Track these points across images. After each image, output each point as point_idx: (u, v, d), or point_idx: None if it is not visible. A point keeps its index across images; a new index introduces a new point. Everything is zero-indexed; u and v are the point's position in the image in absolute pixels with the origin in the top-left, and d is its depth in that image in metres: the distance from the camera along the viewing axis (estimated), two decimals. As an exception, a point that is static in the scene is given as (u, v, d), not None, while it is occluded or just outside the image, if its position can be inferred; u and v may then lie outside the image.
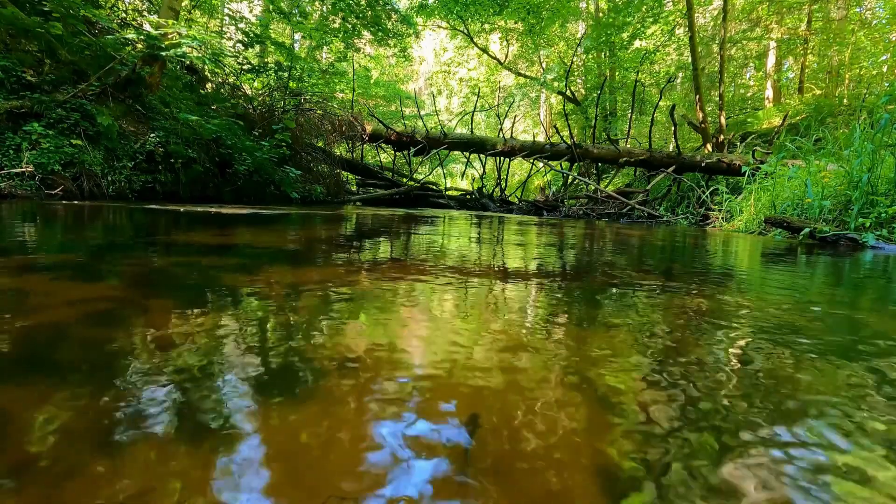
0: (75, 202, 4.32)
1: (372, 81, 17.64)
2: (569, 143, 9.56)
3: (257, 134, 7.15)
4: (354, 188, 10.49)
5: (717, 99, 10.03)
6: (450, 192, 11.76)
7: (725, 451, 0.53)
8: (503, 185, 11.54)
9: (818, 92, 11.77)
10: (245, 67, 8.25)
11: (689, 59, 10.79)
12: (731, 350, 0.92)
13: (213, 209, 4.45)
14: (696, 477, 0.48)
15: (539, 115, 21.29)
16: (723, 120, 9.59)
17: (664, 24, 12.96)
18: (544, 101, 20.69)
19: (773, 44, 14.08)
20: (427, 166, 12.94)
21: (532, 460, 0.50)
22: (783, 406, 0.65)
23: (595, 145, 9.76)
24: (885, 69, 10.44)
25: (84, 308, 0.99)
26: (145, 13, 8.24)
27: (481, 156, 11.02)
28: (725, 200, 7.01)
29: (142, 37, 6.08)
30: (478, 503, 0.43)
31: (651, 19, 12.43)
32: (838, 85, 11.50)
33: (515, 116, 17.00)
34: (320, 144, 8.91)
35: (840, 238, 3.90)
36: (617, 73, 14.86)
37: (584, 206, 9.51)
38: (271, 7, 10.80)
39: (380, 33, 11.70)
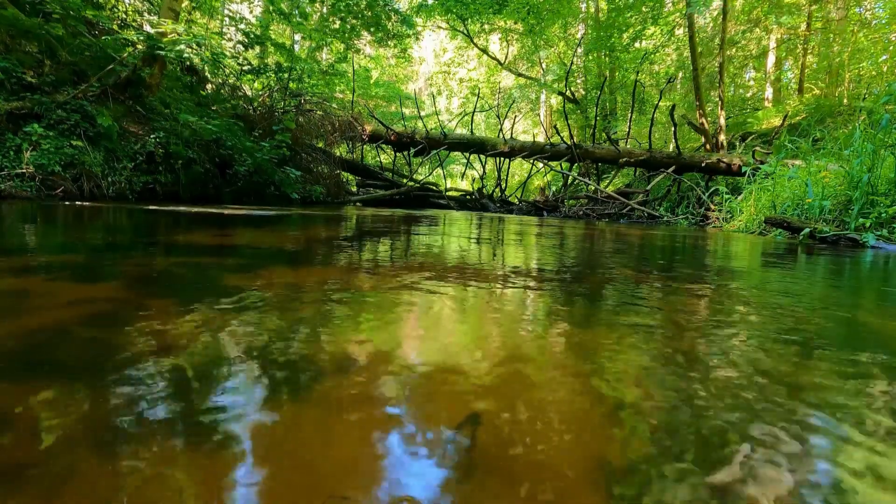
0: (75, 203, 4.32)
1: (372, 82, 17.64)
2: (569, 143, 9.56)
3: (257, 135, 7.16)
4: (354, 188, 10.50)
5: (717, 99, 10.03)
6: (450, 193, 11.76)
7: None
8: (503, 186, 11.54)
9: (818, 92, 11.77)
10: (245, 68, 8.25)
11: (689, 59, 10.80)
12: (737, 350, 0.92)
13: (213, 210, 4.46)
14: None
15: (539, 115, 21.29)
16: (722, 120, 9.59)
17: (664, 25, 12.96)
18: (544, 102, 20.69)
19: (772, 44, 14.07)
20: (427, 167, 12.95)
21: (532, 457, 0.50)
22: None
23: (595, 146, 9.77)
24: (885, 69, 10.43)
25: (84, 309, 0.99)
26: (145, 14, 8.25)
27: (481, 156, 11.02)
28: (725, 201, 7.01)
29: (141, 37, 6.08)
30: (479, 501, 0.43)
31: (651, 20, 12.44)
32: (838, 85, 11.50)
33: (515, 117, 17.00)
34: (320, 145, 8.92)
35: (840, 238, 3.90)
36: (617, 74, 14.86)
37: (584, 206, 9.50)
38: (271, 8, 10.81)
39: (379, 34, 11.71)
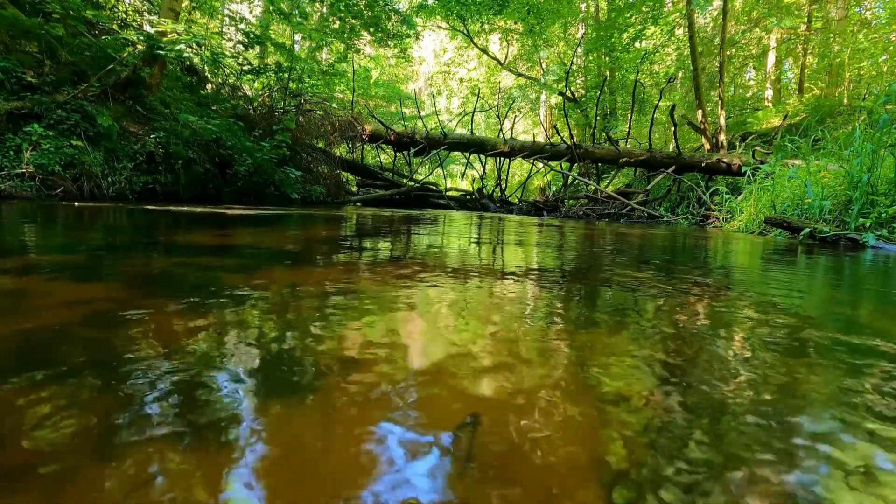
0: (75, 203, 4.32)
1: (372, 82, 17.65)
2: (569, 143, 9.56)
3: (257, 134, 7.15)
4: (354, 188, 10.50)
5: (717, 99, 10.04)
6: (450, 193, 11.77)
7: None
8: (503, 186, 11.55)
9: (818, 92, 11.77)
10: (245, 68, 8.26)
11: (689, 59, 10.80)
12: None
13: (213, 210, 4.46)
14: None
15: (539, 115, 21.30)
16: (722, 120, 9.60)
17: (664, 25, 12.97)
18: (544, 102, 20.68)
19: (772, 44, 14.07)
20: (427, 167, 12.95)
21: (531, 457, 0.50)
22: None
23: (595, 146, 9.77)
24: (885, 69, 10.44)
25: (84, 309, 0.99)
26: (145, 14, 8.25)
27: (481, 156, 11.02)
28: (725, 201, 7.01)
29: (141, 37, 6.09)
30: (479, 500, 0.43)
31: (651, 20, 12.45)
32: (838, 85, 11.50)
33: (515, 117, 17.00)
34: (320, 145, 8.92)
35: (840, 238, 3.90)
36: (617, 74, 14.86)
37: (584, 206, 9.51)
38: (271, 8, 10.81)
39: (379, 34, 11.71)
